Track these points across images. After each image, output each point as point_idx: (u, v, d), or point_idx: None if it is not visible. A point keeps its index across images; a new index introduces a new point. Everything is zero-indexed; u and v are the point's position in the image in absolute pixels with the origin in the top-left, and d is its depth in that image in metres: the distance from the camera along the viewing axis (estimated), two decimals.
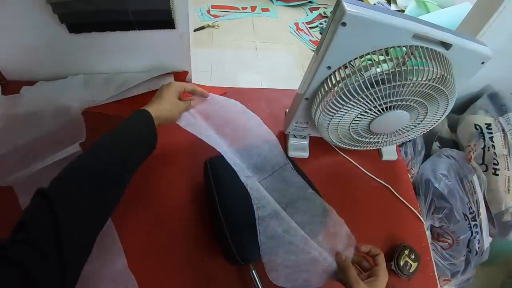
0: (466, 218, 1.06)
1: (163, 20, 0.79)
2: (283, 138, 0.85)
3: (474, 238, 1.08)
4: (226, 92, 0.90)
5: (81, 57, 0.89)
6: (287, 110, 0.84)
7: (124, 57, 0.89)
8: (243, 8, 2.34)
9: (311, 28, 2.24)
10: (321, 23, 2.28)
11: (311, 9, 2.45)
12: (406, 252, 0.73)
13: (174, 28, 0.81)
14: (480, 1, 0.91)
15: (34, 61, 0.90)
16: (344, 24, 0.51)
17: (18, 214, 0.68)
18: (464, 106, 1.40)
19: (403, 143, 1.22)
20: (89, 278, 0.61)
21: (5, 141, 0.79)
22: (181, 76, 0.91)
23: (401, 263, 0.72)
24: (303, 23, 2.27)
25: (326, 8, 2.45)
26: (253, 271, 0.59)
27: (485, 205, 1.14)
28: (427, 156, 1.26)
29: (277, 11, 2.38)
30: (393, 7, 2.09)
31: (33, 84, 0.90)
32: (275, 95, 0.94)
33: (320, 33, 2.19)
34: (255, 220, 0.57)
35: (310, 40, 2.13)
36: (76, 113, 0.83)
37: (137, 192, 0.69)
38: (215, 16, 2.21)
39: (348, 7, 0.50)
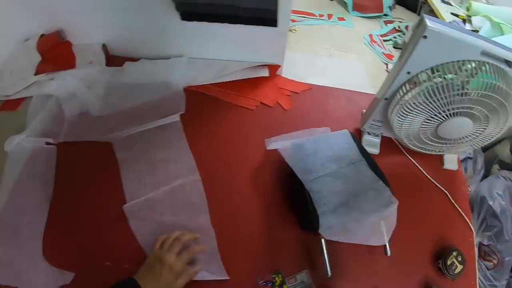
0: None
1: (269, 18, 0.90)
2: (358, 135, 0.95)
3: None
4: (312, 88, 1.04)
5: (186, 41, 1.02)
6: (364, 110, 0.95)
7: (226, 46, 1.02)
8: (320, 16, 2.44)
9: (384, 41, 2.30)
10: (395, 37, 2.32)
11: (386, 22, 2.50)
12: (455, 253, 0.80)
13: (276, 26, 0.92)
14: None
15: (140, 40, 1.03)
16: (425, 37, 0.62)
17: (115, 167, 0.85)
18: None
19: (464, 159, 1.28)
20: (174, 228, 0.74)
21: (107, 104, 0.96)
22: (273, 69, 1.03)
23: (448, 262, 0.79)
24: (377, 35, 2.34)
25: (400, 22, 2.49)
26: (323, 240, 0.70)
27: None
28: (485, 176, 1.32)
29: (352, 21, 2.46)
30: (467, 26, 2.11)
31: (135, 60, 1.05)
32: (354, 96, 1.05)
33: (394, 47, 2.24)
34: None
35: (383, 52, 2.20)
36: (178, 88, 0.98)
37: (225, 161, 0.84)
38: (293, 21, 2.32)
39: (429, 23, 0.61)
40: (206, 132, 0.89)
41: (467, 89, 0.66)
